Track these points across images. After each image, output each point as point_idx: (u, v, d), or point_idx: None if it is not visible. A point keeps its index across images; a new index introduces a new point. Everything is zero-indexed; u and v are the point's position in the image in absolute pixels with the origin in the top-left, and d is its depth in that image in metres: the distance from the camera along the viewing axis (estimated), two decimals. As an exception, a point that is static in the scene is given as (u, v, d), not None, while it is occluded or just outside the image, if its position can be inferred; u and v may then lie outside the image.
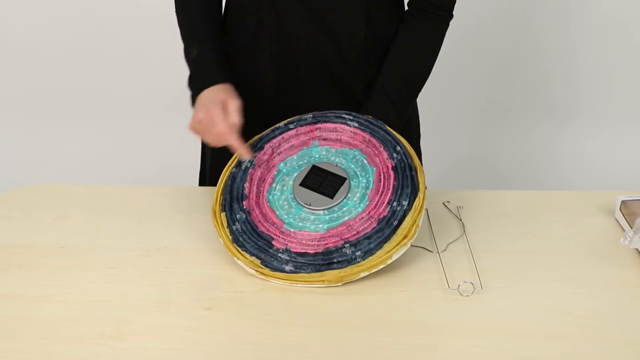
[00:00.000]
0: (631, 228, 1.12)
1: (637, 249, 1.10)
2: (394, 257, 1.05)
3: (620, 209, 1.18)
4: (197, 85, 1.21)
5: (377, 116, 1.19)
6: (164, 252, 1.13)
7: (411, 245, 1.09)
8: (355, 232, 1.06)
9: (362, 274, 1.04)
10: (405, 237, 1.05)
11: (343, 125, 1.18)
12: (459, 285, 1.03)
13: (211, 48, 1.25)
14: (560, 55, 2.46)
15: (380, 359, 0.91)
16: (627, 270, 1.07)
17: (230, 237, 1.09)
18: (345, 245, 1.05)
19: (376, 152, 1.14)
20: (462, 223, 1.19)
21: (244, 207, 1.12)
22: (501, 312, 0.99)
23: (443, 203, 1.25)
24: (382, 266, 1.04)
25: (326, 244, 1.06)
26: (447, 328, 0.96)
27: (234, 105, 1.15)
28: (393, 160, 1.12)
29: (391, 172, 1.11)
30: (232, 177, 1.16)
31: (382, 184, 1.10)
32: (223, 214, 1.12)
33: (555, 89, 2.52)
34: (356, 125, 1.17)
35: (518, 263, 1.09)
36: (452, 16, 1.27)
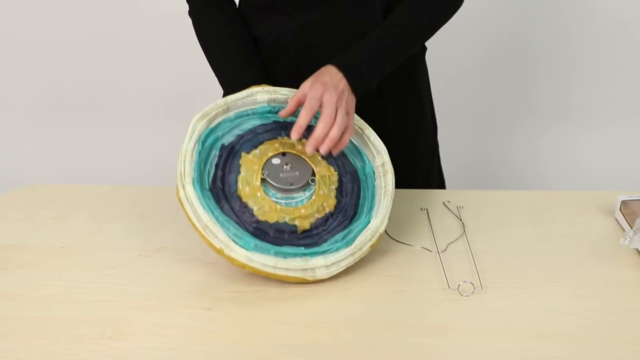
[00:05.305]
0: (631, 228, 1.12)
1: (637, 249, 1.10)
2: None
3: (620, 209, 1.18)
4: None
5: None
6: (164, 252, 1.13)
7: (411, 245, 1.09)
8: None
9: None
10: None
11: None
12: (459, 285, 1.03)
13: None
14: (561, 57, 2.46)
15: (380, 358, 0.91)
16: (627, 270, 1.07)
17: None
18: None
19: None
20: (462, 223, 1.19)
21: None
22: (501, 312, 0.99)
23: (443, 203, 1.25)
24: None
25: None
26: (447, 328, 0.96)
27: None
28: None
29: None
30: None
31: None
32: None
33: (556, 90, 2.52)
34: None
35: (518, 263, 1.09)
36: None
